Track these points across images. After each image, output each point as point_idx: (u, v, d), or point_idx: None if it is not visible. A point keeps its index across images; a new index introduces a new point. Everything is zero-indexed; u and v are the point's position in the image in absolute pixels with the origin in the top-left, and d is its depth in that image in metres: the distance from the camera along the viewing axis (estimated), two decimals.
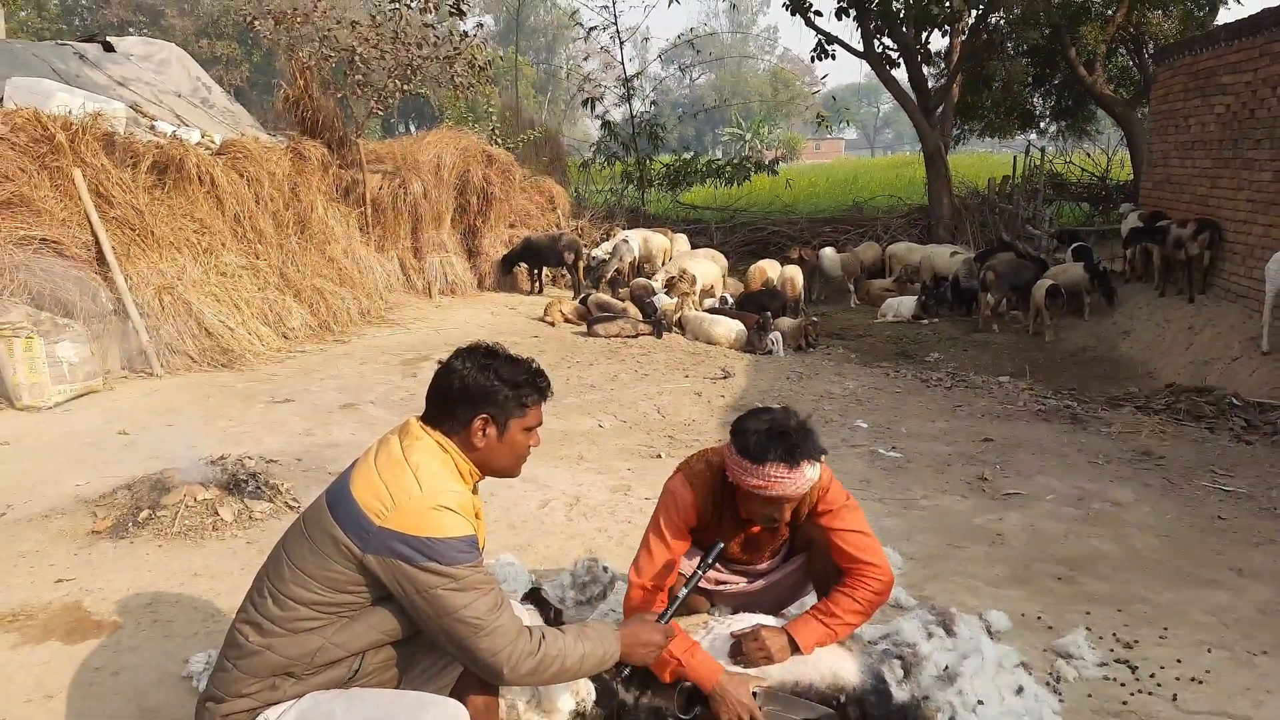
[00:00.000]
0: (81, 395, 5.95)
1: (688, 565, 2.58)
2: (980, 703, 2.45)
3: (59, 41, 10.61)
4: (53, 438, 5.15)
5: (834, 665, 2.38)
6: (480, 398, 1.99)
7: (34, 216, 6.31)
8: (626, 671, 2.24)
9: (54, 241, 6.33)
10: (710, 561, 2.31)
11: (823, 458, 2.28)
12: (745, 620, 2.49)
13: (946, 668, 2.60)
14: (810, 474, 2.23)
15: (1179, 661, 2.81)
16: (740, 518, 2.44)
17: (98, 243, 6.60)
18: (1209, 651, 2.88)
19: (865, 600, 2.38)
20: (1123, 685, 2.68)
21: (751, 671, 2.34)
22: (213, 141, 8.70)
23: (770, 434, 2.21)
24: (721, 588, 2.67)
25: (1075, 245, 11.81)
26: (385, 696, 1.93)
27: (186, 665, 2.68)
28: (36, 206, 6.35)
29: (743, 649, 2.37)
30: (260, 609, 1.91)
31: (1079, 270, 10.21)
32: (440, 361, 2.07)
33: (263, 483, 4.07)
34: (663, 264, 11.72)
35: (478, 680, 2.05)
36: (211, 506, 3.84)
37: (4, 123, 6.60)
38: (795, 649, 2.36)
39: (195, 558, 3.50)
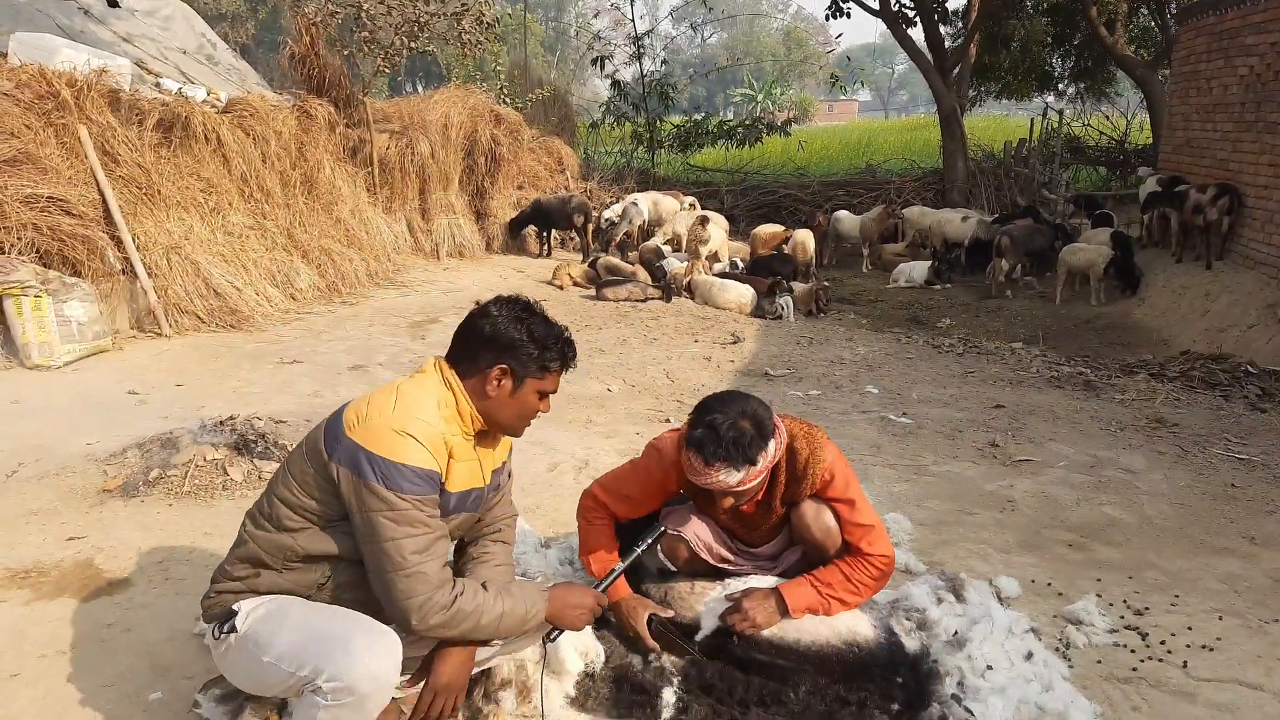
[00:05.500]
0: (91, 355, 5.95)
1: (700, 541, 2.58)
2: (989, 668, 2.44)
3: None
4: (62, 397, 5.16)
5: (848, 621, 2.40)
6: (506, 347, 2.00)
7: (40, 174, 6.25)
8: (556, 634, 2.22)
9: (61, 200, 6.28)
10: (650, 542, 2.37)
11: (750, 468, 2.19)
12: (755, 583, 2.49)
13: (956, 633, 2.59)
14: (724, 477, 2.19)
15: (1190, 629, 2.80)
16: None
17: (104, 201, 6.56)
18: (1220, 619, 2.87)
19: (861, 583, 2.41)
20: (1133, 652, 2.66)
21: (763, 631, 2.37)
22: (218, 99, 8.61)
23: (705, 425, 2.20)
24: (725, 567, 2.63)
25: (1098, 212, 11.66)
26: (336, 613, 1.96)
27: (198, 623, 2.69)
28: (43, 164, 6.29)
29: (726, 620, 2.39)
30: (257, 504, 2.06)
31: (1104, 237, 10.07)
32: (477, 302, 2.10)
33: (272, 443, 4.07)
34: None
35: None
36: (221, 466, 3.85)
37: (8, 79, 6.52)
38: (785, 610, 2.37)
39: (206, 517, 3.51)
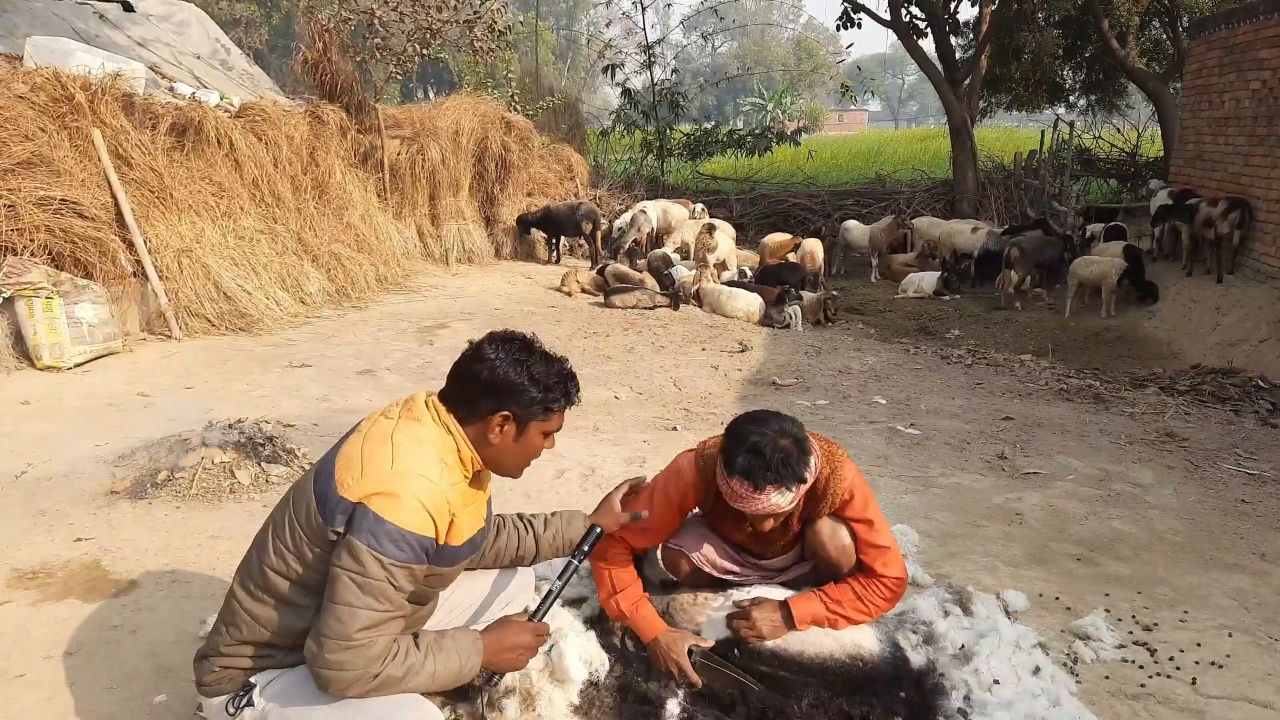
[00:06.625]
0: (101, 356, 5.98)
1: (704, 558, 2.56)
2: (996, 682, 2.42)
3: (79, 0, 10.56)
4: (72, 398, 5.19)
5: (853, 634, 2.39)
6: (507, 394, 1.89)
7: (54, 177, 6.30)
8: (497, 679, 2.13)
9: (73, 202, 6.33)
10: (587, 550, 2.24)
11: (801, 486, 2.16)
12: (761, 593, 2.48)
13: (963, 646, 2.57)
14: (776, 500, 2.13)
15: (1199, 645, 2.77)
16: None
17: (117, 204, 6.60)
18: (1230, 636, 2.84)
19: (872, 603, 2.39)
20: (1141, 668, 2.64)
21: (767, 642, 2.34)
22: (231, 104, 8.67)
23: (748, 449, 2.12)
24: (729, 579, 2.61)
25: (1110, 225, 11.63)
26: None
27: (204, 625, 2.69)
28: (56, 167, 6.34)
29: (731, 626, 2.37)
30: (247, 572, 1.91)
31: (1116, 249, 10.04)
32: (470, 342, 1.98)
33: (280, 447, 4.08)
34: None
35: None
36: (229, 469, 3.86)
37: (24, 82, 6.58)
38: (791, 623, 2.35)
39: (213, 520, 3.52)
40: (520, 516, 2.39)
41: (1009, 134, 28.55)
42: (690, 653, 2.33)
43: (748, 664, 2.35)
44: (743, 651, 2.35)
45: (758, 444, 2.12)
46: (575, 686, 2.28)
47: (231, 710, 1.87)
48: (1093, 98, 19.40)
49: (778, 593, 2.48)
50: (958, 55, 16.43)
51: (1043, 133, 16.54)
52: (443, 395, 1.96)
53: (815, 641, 2.35)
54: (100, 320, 6.03)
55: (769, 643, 2.34)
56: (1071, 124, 16.59)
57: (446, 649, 1.88)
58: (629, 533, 2.44)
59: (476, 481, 2.01)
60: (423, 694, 1.90)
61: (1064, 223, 12.91)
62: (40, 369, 5.66)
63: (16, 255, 5.89)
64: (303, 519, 1.84)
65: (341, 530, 1.77)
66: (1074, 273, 9.81)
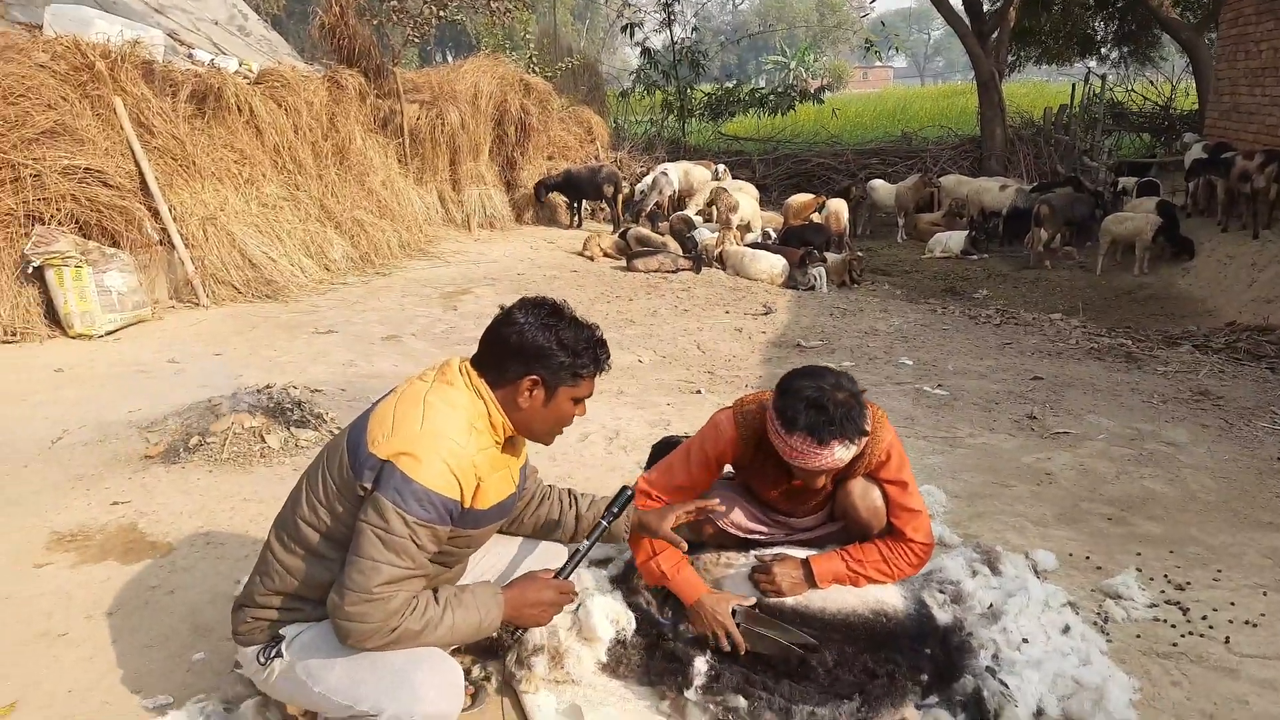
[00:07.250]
0: (131, 324, 6.06)
1: (729, 520, 2.55)
2: (1025, 641, 2.42)
3: None
4: (104, 365, 5.26)
5: (877, 591, 2.38)
6: (535, 357, 1.89)
7: (77, 146, 6.33)
8: (521, 632, 2.14)
9: (98, 171, 6.36)
10: (616, 511, 2.20)
11: (863, 439, 2.14)
12: (786, 553, 2.47)
13: (991, 605, 2.57)
14: (840, 454, 2.11)
15: (1232, 604, 2.74)
16: (784, 466, 2.34)
17: (141, 172, 6.63)
18: (1264, 595, 2.81)
19: (897, 566, 2.37)
20: (1173, 627, 2.62)
21: (786, 599, 2.34)
22: (250, 70, 8.64)
23: (808, 404, 2.09)
24: (754, 538, 2.61)
25: (1144, 180, 11.37)
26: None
27: (238, 585, 2.74)
28: (79, 136, 6.36)
29: (752, 579, 2.37)
30: (282, 522, 1.95)
31: (1150, 205, 9.82)
32: (501, 307, 1.98)
33: (308, 412, 4.13)
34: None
35: None
36: (259, 434, 3.91)
37: (44, 50, 6.59)
38: (812, 580, 2.34)
39: (245, 483, 3.57)
40: (569, 492, 2.39)
41: (1038, 89, 27.86)
42: (734, 613, 2.30)
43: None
44: (766, 610, 2.34)
45: (818, 399, 2.10)
46: (603, 645, 2.30)
47: (263, 660, 1.93)
48: (1125, 49, 18.88)
49: (802, 552, 2.47)
50: (985, 7, 15.99)
51: (1073, 86, 16.13)
52: (474, 360, 1.98)
53: (838, 598, 2.35)
54: (129, 288, 6.09)
55: (789, 599, 2.34)
56: (1103, 77, 16.14)
57: (466, 603, 1.89)
58: (664, 492, 2.43)
59: (509, 447, 2.01)
60: (447, 647, 1.92)
61: (1095, 179, 12.63)
62: (72, 337, 5.74)
63: (44, 224, 5.95)
64: (335, 472, 1.88)
65: (369, 486, 1.80)
66: (1107, 230, 9.61)
